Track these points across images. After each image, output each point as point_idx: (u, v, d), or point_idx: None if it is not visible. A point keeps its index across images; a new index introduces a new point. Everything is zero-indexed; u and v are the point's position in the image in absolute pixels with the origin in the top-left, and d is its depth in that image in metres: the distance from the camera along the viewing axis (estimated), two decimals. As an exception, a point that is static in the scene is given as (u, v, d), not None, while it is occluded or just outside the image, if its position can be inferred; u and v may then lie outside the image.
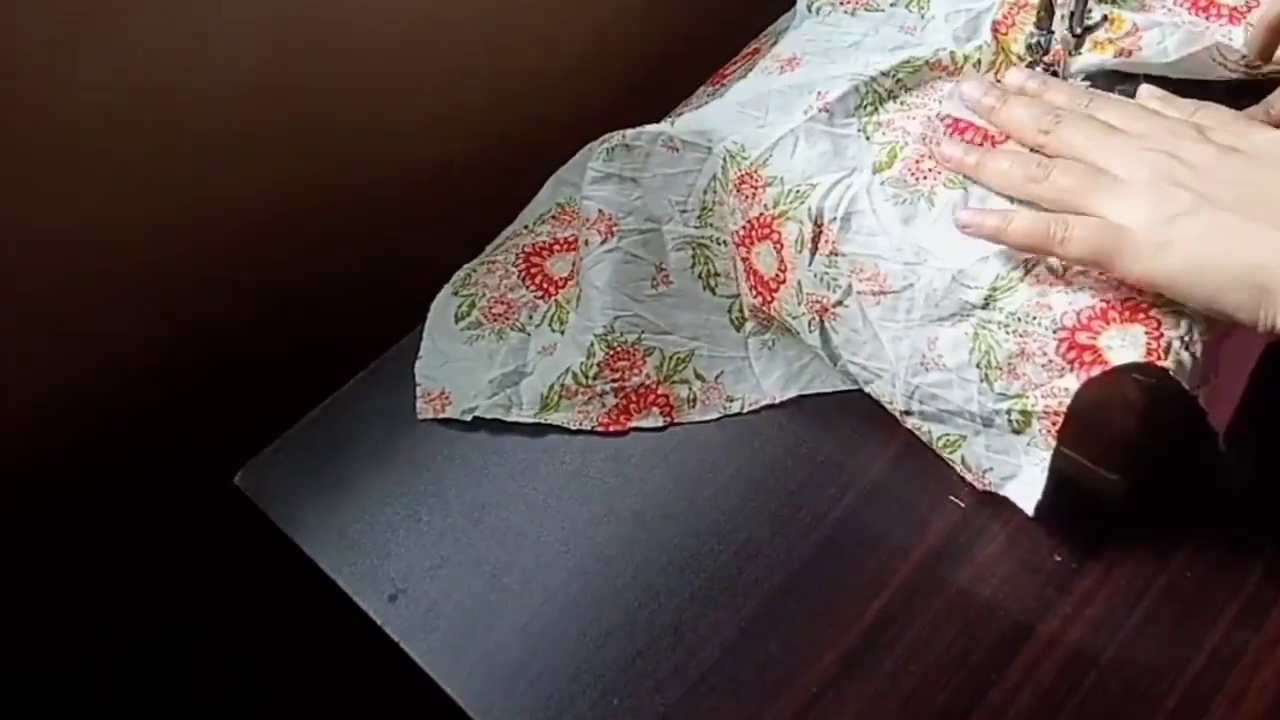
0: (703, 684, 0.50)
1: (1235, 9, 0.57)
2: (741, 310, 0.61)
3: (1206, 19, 0.57)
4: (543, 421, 0.60)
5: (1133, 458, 0.52)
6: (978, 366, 0.50)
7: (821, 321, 0.56)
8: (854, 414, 0.58)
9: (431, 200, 0.71)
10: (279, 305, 0.68)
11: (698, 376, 0.61)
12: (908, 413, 0.55)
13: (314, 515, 0.58)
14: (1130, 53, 0.55)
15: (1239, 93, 0.54)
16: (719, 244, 0.60)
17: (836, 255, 0.54)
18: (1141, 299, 0.48)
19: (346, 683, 0.76)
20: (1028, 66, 0.57)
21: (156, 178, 0.60)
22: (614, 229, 0.60)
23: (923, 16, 0.61)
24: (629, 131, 0.60)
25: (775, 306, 0.58)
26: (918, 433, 0.56)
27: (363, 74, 0.65)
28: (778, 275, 0.57)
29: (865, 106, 0.57)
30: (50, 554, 0.65)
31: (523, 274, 0.65)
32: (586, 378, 0.59)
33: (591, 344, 0.60)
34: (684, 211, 0.60)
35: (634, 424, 0.60)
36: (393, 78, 0.67)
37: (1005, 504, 0.54)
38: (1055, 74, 0.56)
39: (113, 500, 0.65)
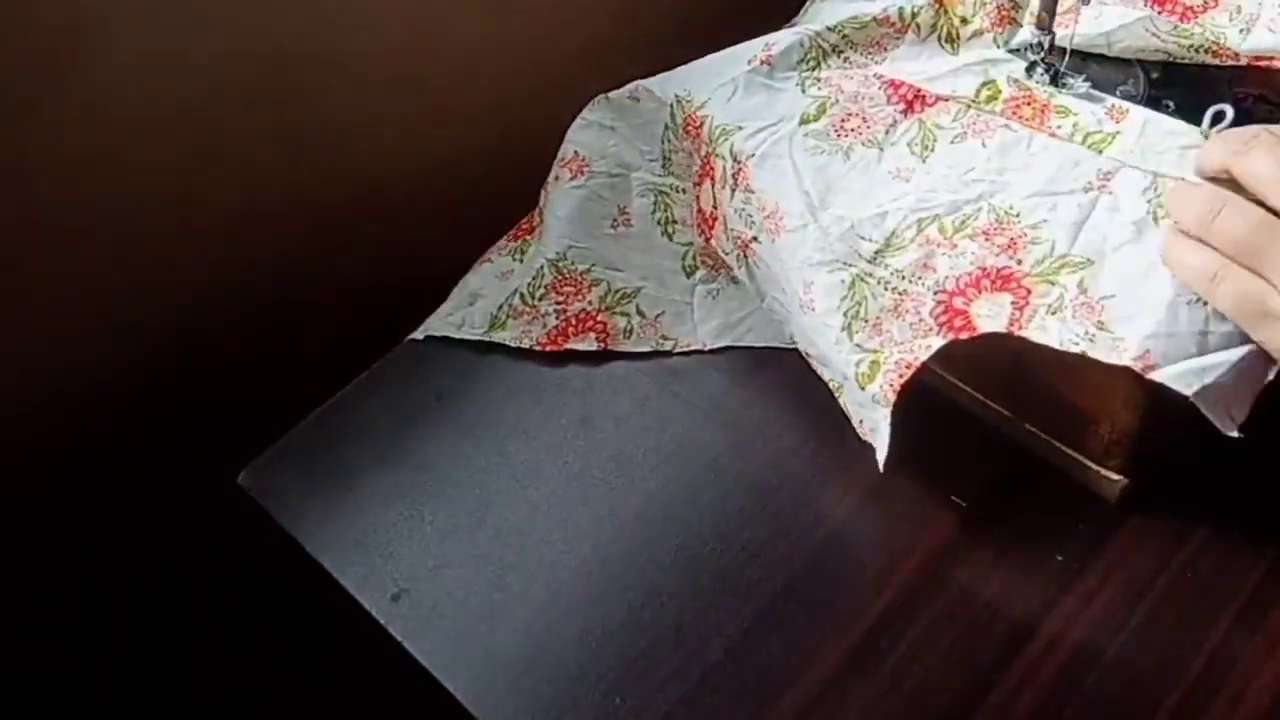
0: (705, 684, 0.50)
1: (1190, 8, 0.57)
2: (694, 258, 0.64)
3: (1158, 10, 0.57)
4: (489, 340, 0.62)
5: (1133, 458, 0.52)
6: (844, 315, 0.52)
7: (745, 257, 0.58)
8: (856, 414, 0.58)
9: (434, 200, 0.71)
10: (281, 305, 0.68)
11: (639, 312, 0.63)
12: (808, 353, 0.57)
13: (317, 515, 0.58)
14: (1067, 26, 0.56)
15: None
16: (680, 192, 0.63)
17: (750, 192, 0.55)
18: (1017, 269, 0.49)
19: (349, 682, 0.76)
20: (1027, 68, 0.57)
21: (157, 179, 0.60)
22: (584, 168, 0.63)
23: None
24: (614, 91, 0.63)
25: (714, 243, 0.60)
26: (819, 373, 0.57)
27: (365, 74, 0.65)
28: (713, 212, 0.59)
29: (808, 61, 0.59)
30: (51, 554, 0.65)
31: (511, 236, 0.68)
32: (533, 298, 0.62)
33: (542, 267, 0.63)
34: (651, 160, 0.63)
35: (570, 345, 0.62)
36: (394, 77, 0.67)
37: (1006, 504, 0.54)
38: (1056, 74, 0.56)
39: (115, 500, 0.65)
